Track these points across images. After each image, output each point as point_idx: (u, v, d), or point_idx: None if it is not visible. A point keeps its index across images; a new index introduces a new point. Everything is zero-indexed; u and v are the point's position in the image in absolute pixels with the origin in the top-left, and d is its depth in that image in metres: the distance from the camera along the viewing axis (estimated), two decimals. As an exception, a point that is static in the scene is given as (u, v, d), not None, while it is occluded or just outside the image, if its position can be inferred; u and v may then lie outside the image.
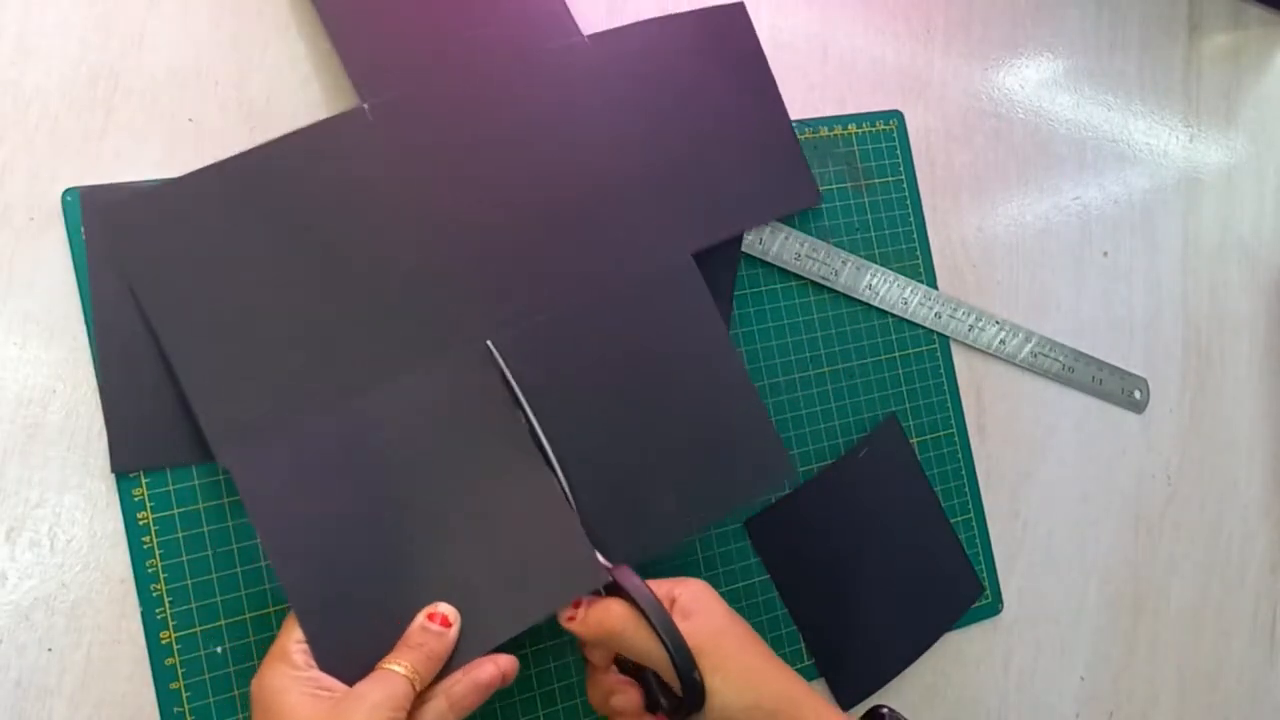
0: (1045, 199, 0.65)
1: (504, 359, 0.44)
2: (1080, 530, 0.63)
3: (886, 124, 0.59)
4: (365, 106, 0.44)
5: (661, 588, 0.42)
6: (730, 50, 0.54)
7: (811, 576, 0.54)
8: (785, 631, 0.53)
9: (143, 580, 0.41)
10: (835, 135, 0.57)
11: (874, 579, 0.55)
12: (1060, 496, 0.63)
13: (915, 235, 0.59)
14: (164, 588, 0.41)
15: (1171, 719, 0.66)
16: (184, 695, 0.41)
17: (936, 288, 0.59)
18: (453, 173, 0.46)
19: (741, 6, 0.54)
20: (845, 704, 0.53)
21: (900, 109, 0.60)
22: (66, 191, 0.41)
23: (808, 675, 0.53)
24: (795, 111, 0.56)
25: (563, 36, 0.49)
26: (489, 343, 0.45)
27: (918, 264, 0.59)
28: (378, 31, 0.45)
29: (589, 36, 0.49)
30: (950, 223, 0.61)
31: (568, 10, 0.49)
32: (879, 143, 0.59)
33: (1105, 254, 0.67)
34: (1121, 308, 0.67)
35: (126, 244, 0.41)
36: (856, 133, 0.58)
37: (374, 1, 0.46)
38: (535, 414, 0.44)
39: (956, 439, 0.59)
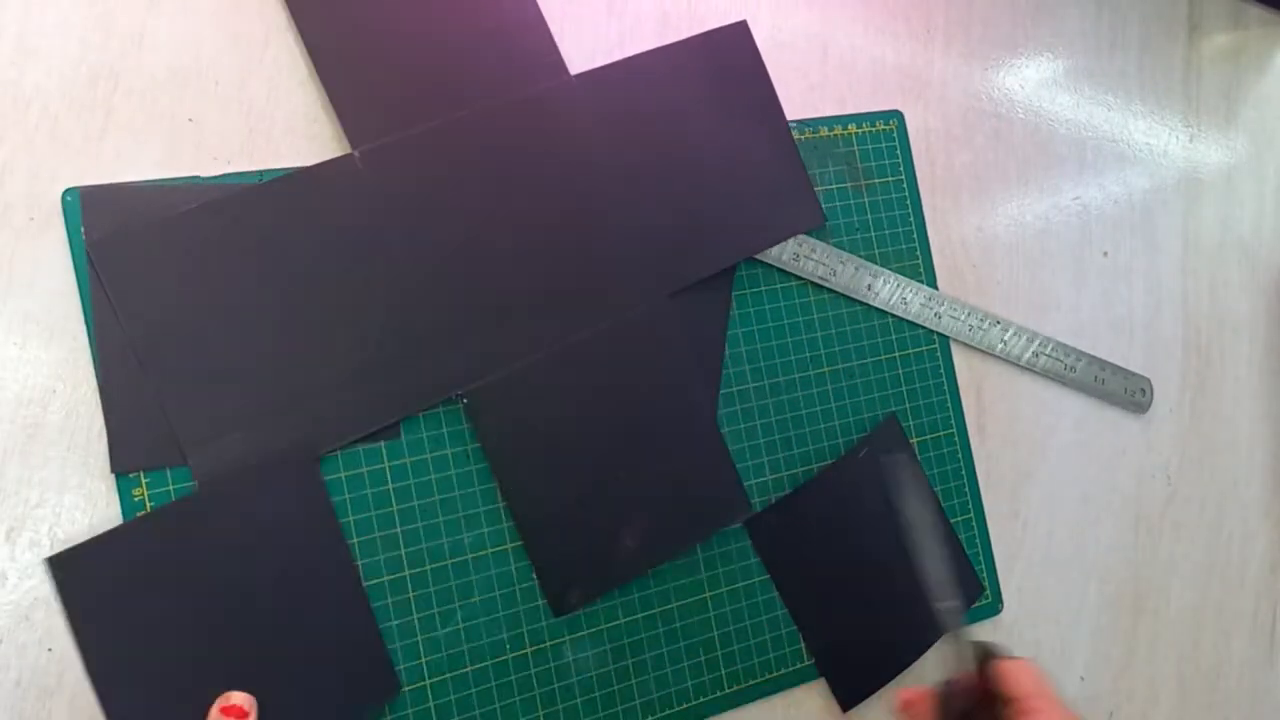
0: (1045, 199, 0.65)
1: (475, 412, 0.45)
2: (1080, 530, 0.63)
3: (886, 124, 0.59)
4: (355, 154, 0.45)
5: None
6: (732, 72, 0.53)
7: (812, 576, 0.54)
8: (785, 631, 0.53)
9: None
10: (835, 135, 0.57)
11: (874, 579, 0.55)
12: (1060, 496, 0.63)
13: (915, 235, 0.59)
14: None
15: (1171, 719, 0.66)
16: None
17: (937, 288, 0.59)
18: (439, 220, 0.46)
19: (744, 25, 0.54)
20: (845, 704, 0.53)
21: (900, 109, 0.60)
22: (66, 191, 0.41)
23: (808, 676, 0.53)
24: (795, 111, 0.56)
25: (551, 78, 0.49)
26: (462, 400, 0.45)
27: (918, 264, 0.59)
28: (368, 79, 0.46)
29: (577, 75, 0.49)
30: (950, 223, 0.61)
31: (556, 51, 0.49)
32: (879, 143, 0.59)
33: (1105, 254, 0.67)
34: (1121, 308, 0.67)
35: (116, 274, 0.41)
36: (856, 133, 0.58)
37: (365, 50, 0.46)
38: (499, 467, 0.46)
39: (956, 439, 0.59)
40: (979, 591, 0.58)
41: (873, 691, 0.54)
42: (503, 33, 0.48)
